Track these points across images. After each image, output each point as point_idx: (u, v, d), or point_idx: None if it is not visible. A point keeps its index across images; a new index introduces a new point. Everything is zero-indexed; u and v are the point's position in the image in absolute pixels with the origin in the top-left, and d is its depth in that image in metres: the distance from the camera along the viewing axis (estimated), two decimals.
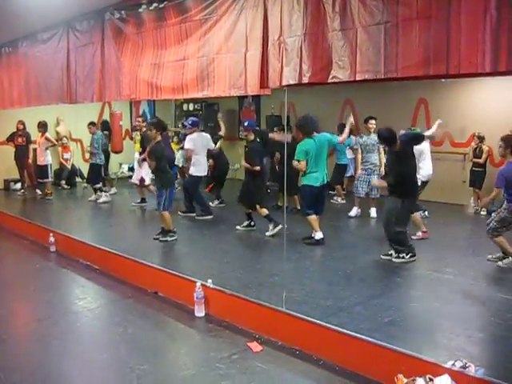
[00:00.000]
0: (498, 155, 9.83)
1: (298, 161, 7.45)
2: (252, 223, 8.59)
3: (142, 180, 10.73)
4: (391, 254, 6.76)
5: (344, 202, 11.13)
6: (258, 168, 8.24)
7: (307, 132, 7.53)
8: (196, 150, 9.55)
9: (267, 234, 8.10)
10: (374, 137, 8.96)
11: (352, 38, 4.42)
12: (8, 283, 7.00)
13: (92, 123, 11.75)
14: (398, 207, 6.60)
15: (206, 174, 10.01)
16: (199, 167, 9.64)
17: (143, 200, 11.04)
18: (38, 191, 12.71)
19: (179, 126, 13.82)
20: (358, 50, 4.37)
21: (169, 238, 7.80)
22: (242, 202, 8.62)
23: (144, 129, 10.71)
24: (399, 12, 4.06)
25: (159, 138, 7.74)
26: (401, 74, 4.13)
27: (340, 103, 12.94)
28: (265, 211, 8.24)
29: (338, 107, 12.96)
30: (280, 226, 7.92)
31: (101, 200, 11.46)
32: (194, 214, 9.69)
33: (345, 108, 12.90)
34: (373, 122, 9.26)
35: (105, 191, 11.78)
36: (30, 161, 12.81)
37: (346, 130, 8.09)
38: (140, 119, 11.62)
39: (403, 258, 6.64)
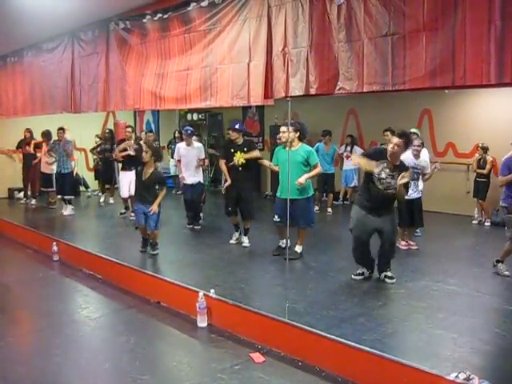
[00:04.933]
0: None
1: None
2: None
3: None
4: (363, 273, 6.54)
5: (331, 212, 11.19)
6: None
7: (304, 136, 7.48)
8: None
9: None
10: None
11: (358, 49, 4.44)
12: (11, 292, 7.00)
13: (61, 128, 11.53)
14: (395, 223, 6.43)
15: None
16: (202, 175, 9.69)
17: (127, 208, 10.88)
18: (33, 201, 12.95)
19: (175, 134, 13.83)
20: (365, 61, 4.39)
21: (158, 251, 7.73)
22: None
23: (132, 139, 10.67)
24: (406, 24, 4.09)
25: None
26: (408, 85, 4.15)
27: (344, 113, 12.96)
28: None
29: (342, 117, 12.99)
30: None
31: (66, 212, 11.38)
32: (200, 226, 9.70)
33: (349, 117, 12.92)
34: (387, 133, 9.34)
35: (71, 203, 11.61)
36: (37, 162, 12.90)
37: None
38: (129, 129, 11.09)
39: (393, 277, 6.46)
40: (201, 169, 9.66)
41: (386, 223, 6.27)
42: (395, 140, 6.05)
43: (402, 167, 6.17)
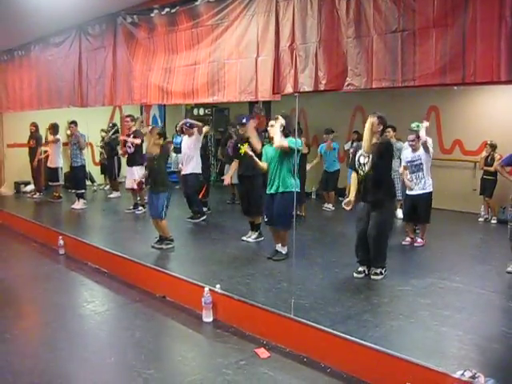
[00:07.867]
0: None
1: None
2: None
3: (140, 184, 9.70)
4: (363, 271, 6.39)
5: (333, 208, 11.14)
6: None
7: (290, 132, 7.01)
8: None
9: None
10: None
11: (368, 45, 4.42)
12: (17, 285, 7.03)
13: (73, 122, 11.53)
14: (390, 217, 6.27)
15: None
16: (196, 166, 9.61)
17: (136, 205, 10.78)
18: (37, 195, 13.01)
19: (176, 129, 13.81)
20: (375, 57, 4.37)
21: (164, 246, 7.61)
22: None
23: (133, 128, 10.72)
24: (416, 20, 4.07)
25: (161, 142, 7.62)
26: (418, 82, 4.13)
27: (351, 109, 12.91)
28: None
29: (348, 113, 12.95)
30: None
31: (78, 206, 11.30)
32: (203, 219, 9.66)
33: (356, 114, 12.88)
34: (389, 129, 9.26)
35: (83, 197, 11.57)
36: (35, 163, 12.88)
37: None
38: (129, 119, 10.97)
39: (381, 273, 6.29)
40: (196, 160, 9.54)
41: (375, 215, 6.18)
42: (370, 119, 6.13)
43: (376, 147, 6.04)
